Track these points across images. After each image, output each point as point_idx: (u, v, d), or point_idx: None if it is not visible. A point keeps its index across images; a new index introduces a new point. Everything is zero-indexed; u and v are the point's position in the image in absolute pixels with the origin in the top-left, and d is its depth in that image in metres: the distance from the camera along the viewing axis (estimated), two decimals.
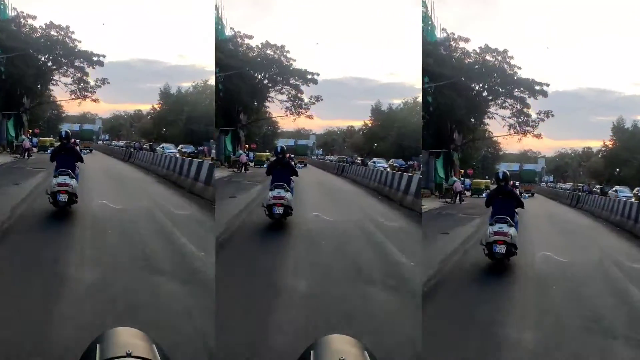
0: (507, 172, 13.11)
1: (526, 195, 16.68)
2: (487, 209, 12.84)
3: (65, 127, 18.30)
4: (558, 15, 17.92)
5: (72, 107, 19.33)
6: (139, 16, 17.58)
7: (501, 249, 11.65)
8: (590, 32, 17.94)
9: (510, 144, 20.82)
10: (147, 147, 22.43)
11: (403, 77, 19.00)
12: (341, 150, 23.00)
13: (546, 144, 20.40)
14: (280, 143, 19.29)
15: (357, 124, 22.04)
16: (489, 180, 20.77)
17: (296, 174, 13.64)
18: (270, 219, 13.18)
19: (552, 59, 18.24)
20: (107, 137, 22.17)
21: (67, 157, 12.45)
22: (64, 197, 12.01)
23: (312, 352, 3.53)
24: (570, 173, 22.45)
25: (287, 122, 20.25)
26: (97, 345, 3.43)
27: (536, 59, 18.61)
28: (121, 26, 17.44)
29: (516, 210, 12.37)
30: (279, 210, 12.84)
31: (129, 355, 3.33)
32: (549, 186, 22.78)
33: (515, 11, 18.00)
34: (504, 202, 12.11)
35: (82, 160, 12.71)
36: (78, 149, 13.54)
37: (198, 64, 18.45)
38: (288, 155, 14.54)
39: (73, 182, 12.18)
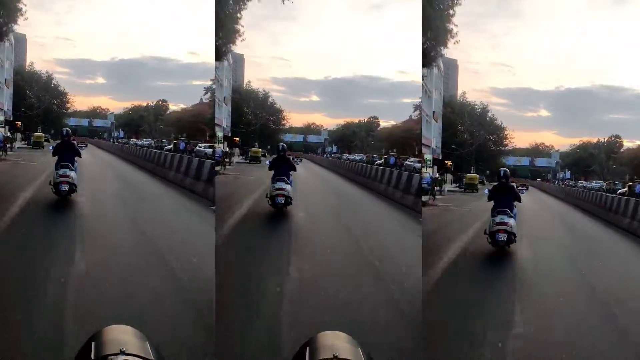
0: (508, 170, 14.82)
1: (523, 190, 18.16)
2: None
3: (72, 122, 18.25)
4: (570, 13, 17.89)
5: (79, 100, 18.48)
6: (149, 13, 17.64)
7: (503, 237, 13.47)
8: (603, 28, 17.86)
9: (520, 137, 19.97)
10: (208, 150, 17.12)
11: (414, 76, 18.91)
12: (363, 147, 19.20)
13: (557, 141, 20.20)
14: (288, 138, 19.25)
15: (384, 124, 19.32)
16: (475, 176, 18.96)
17: (294, 169, 15.50)
18: (273, 208, 15.02)
19: (565, 56, 18.19)
20: (122, 133, 19.06)
21: (67, 153, 14.20)
22: (65, 187, 13.84)
23: (307, 348, 3.66)
24: (597, 168, 18.60)
25: (293, 117, 19.79)
26: (93, 343, 3.50)
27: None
28: (131, 23, 17.52)
29: (514, 203, 14.19)
30: (280, 200, 14.68)
31: (122, 352, 3.41)
32: (568, 184, 19.47)
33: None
34: (505, 197, 13.86)
35: (80, 155, 14.65)
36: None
37: (209, 61, 18.49)
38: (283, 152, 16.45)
39: (73, 174, 14.03)
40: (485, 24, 18.52)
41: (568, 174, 19.25)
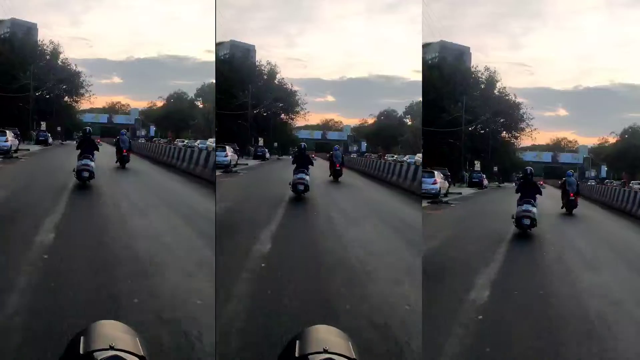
0: (532, 169, 16.80)
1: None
2: None
3: (87, 119, 18.31)
4: (588, 12, 17.80)
5: (96, 100, 17.57)
6: (165, 11, 17.75)
7: (527, 221, 16.00)
8: (622, 26, 17.72)
9: (538, 137, 19.32)
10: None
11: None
12: (416, 143, 13.66)
13: (576, 140, 19.96)
14: (303, 135, 19.21)
15: None
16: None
17: (312, 164, 17.95)
18: (294, 194, 17.39)
19: (584, 55, 18.07)
20: (152, 131, 15.25)
21: (88, 147, 16.56)
22: (86, 174, 16.30)
23: (297, 341, 3.68)
24: None
25: (308, 116, 19.41)
26: (81, 338, 3.52)
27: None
28: (147, 22, 17.62)
29: (536, 196, 16.69)
30: (301, 187, 17.50)
31: (111, 348, 3.42)
32: (612, 185, 16.89)
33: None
34: (529, 190, 16.30)
35: (98, 150, 16.78)
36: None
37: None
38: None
39: (92, 164, 16.55)
40: (503, 25, 18.42)
41: (603, 172, 17.47)
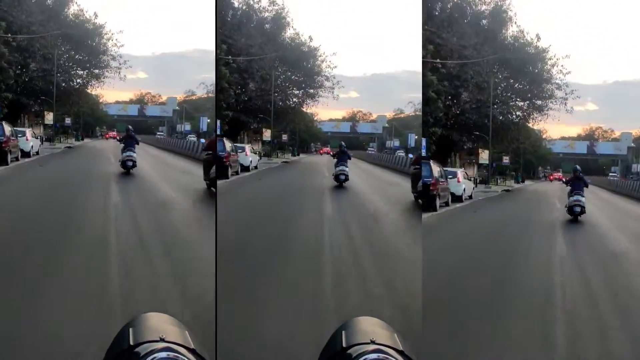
0: (579, 167, 18.71)
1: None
2: None
3: (112, 111, 18.21)
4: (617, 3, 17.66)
5: (120, 95, 16.02)
6: (191, 4, 17.72)
7: (578, 209, 18.60)
8: None
9: (566, 131, 19.73)
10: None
11: None
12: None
13: (612, 129, 19.91)
14: (327, 128, 18.65)
15: None
16: None
17: (350, 159, 20.02)
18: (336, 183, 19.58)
19: (613, 48, 17.92)
20: (206, 124, 10.73)
21: (130, 141, 19.11)
22: (129, 163, 18.77)
23: (343, 332, 3.77)
24: None
25: (331, 113, 18.63)
26: (130, 329, 3.52)
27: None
28: (172, 15, 17.59)
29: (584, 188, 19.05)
30: (342, 177, 19.30)
31: (162, 339, 3.41)
32: None
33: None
34: (578, 183, 18.92)
35: (138, 144, 19.22)
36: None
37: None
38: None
39: (134, 155, 19.03)
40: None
41: None
